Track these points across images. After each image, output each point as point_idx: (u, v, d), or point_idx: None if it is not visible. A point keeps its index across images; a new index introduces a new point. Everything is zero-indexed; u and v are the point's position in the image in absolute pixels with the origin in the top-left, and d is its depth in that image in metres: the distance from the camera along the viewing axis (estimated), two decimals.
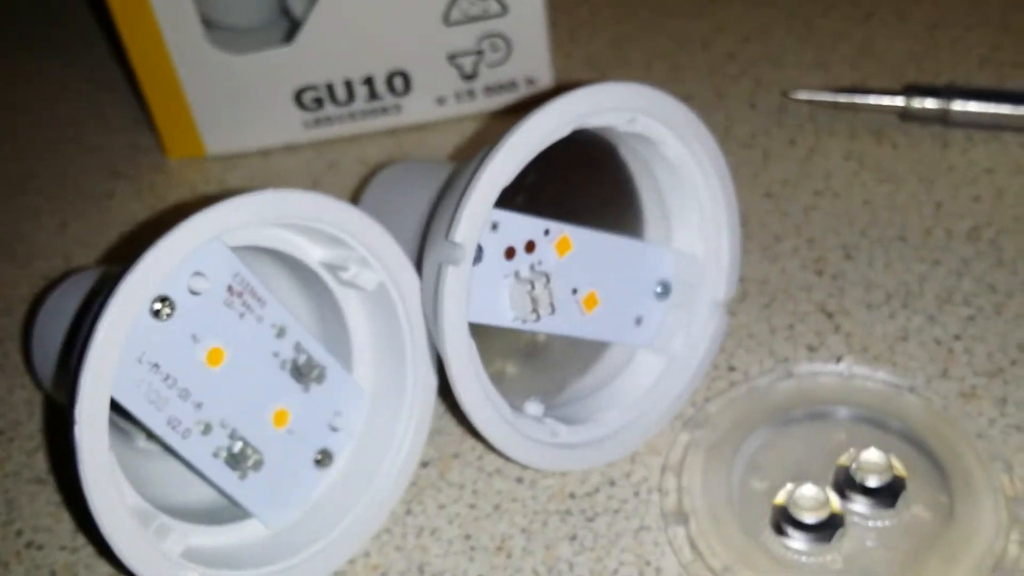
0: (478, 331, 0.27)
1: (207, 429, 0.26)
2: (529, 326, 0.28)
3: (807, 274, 0.35)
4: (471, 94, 0.43)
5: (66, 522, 0.31)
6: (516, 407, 0.29)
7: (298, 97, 0.42)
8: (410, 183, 0.33)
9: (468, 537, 0.28)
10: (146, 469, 0.28)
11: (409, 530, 0.29)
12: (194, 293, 0.25)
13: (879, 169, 0.39)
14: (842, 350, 0.32)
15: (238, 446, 0.27)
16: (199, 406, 0.26)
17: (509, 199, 0.26)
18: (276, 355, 0.27)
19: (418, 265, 0.28)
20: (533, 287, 0.27)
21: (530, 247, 0.28)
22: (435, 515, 0.29)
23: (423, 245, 0.27)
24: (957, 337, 0.32)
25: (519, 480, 0.30)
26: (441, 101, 0.43)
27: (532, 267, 0.28)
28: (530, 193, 0.28)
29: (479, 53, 0.42)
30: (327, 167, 0.43)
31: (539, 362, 0.31)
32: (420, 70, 0.42)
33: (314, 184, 0.43)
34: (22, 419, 0.34)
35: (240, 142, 0.44)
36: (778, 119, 0.42)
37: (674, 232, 0.31)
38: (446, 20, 0.41)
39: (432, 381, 0.29)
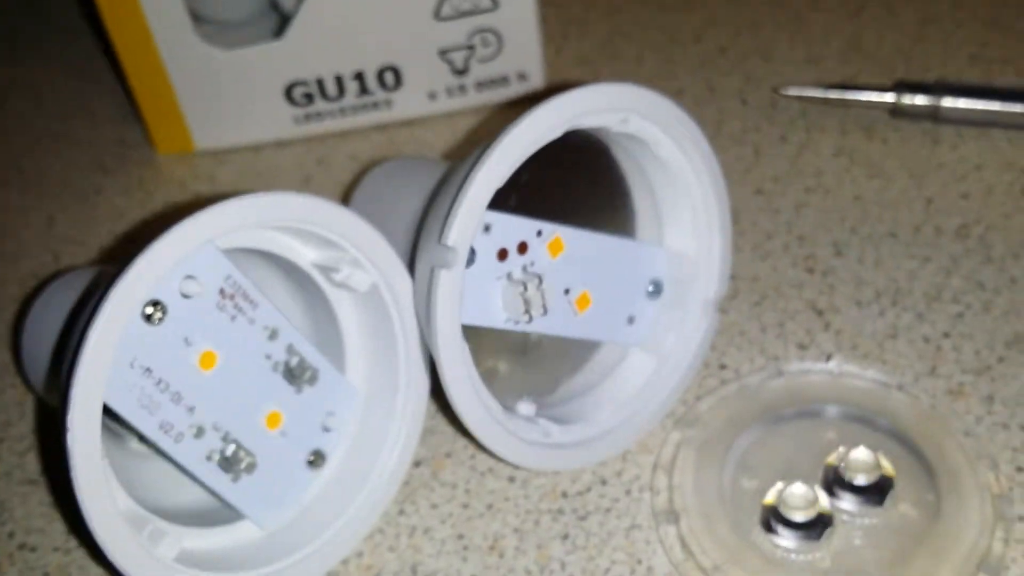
0: (470, 329, 0.27)
1: (200, 432, 0.26)
2: (522, 327, 0.28)
3: (798, 271, 0.35)
4: (462, 89, 0.43)
5: (59, 523, 0.31)
6: (509, 407, 0.29)
7: (288, 92, 0.42)
8: (402, 182, 0.33)
9: (461, 537, 0.29)
10: (139, 471, 0.28)
11: (402, 530, 0.29)
12: (186, 296, 0.25)
13: (869, 165, 0.39)
14: (832, 348, 0.32)
15: (231, 449, 0.27)
16: (192, 410, 0.26)
17: (502, 200, 0.26)
18: (268, 357, 0.27)
19: (410, 266, 0.28)
20: (526, 288, 0.27)
21: (523, 248, 0.28)
22: (428, 515, 0.29)
23: (416, 245, 0.27)
24: (946, 334, 0.32)
25: (511, 479, 0.30)
26: (432, 96, 0.43)
27: (525, 268, 0.28)
28: (523, 193, 0.28)
29: (470, 48, 0.42)
30: (318, 162, 0.43)
31: (532, 359, 0.31)
32: (411, 65, 0.42)
33: (305, 180, 0.43)
34: (13, 420, 0.34)
35: (230, 137, 0.44)
36: (769, 115, 0.42)
37: (666, 231, 0.31)
38: (437, 15, 0.41)
39: (425, 380, 0.29)
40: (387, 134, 0.44)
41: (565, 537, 0.28)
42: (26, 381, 0.35)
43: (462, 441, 0.31)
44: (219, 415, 0.26)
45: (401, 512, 0.30)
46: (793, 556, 0.26)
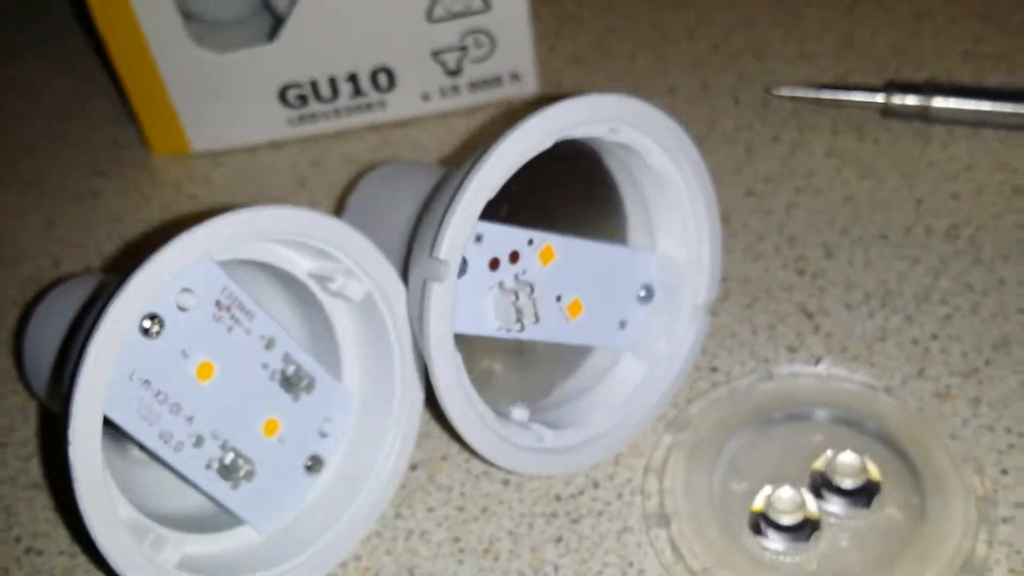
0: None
1: (199, 441, 0.27)
2: (514, 335, 0.29)
3: (788, 273, 0.35)
4: (455, 90, 0.43)
5: (64, 527, 0.31)
6: (503, 412, 0.29)
7: (282, 94, 0.42)
8: (397, 187, 0.33)
9: (457, 540, 0.29)
10: (139, 477, 0.29)
11: (399, 533, 0.30)
12: (182, 309, 0.26)
13: (860, 165, 0.39)
14: (821, 351, 0.32)
15: (230, 457, 0.27)
16: (190, 419, 0.26)
17: (493, 210, 0.27)
18: (265, 366, 0.28)
19: (405, 272, 0.28)
20: (517, 297, 0.28)
21: (514, 257, 0.28)
22: (424, 518, 0.30)
23: (409, 252, 0.28)
24: (934, 336, 0.32)
25: (506, 482, 0.30)
26: (426, 97, 0.43)
27: (516, 277, 0.28)
28: (514, 203, 0.28)
29: (463, 49, 0.42)
30: (312, 163, 0.44)
31: (527, 361, 0.32)
32: (404, 66, 0.42)
33: (300, 181, 0.43)
34: (16, 424, 0.35)
35: (225, 139, 0.44)
36: (761, 114, 0.42)
37: (657, 237, 0.31)
38: (429, 17, 0.41)
39: (420, 385, 0.30)
40: (381, 134, 0.44)
41: (558, 540, 0.29)
42: (28, 388, 0.35)
43: (457, 444, 0.32)
44: (218, 424, 0.27)
45: (398, 515, 0.30)
46: (781, 558, 0.27)
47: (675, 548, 0.28)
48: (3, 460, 0.34)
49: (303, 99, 0.43)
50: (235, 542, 0.28)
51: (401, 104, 0.43)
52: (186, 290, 0.26)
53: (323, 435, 0.29)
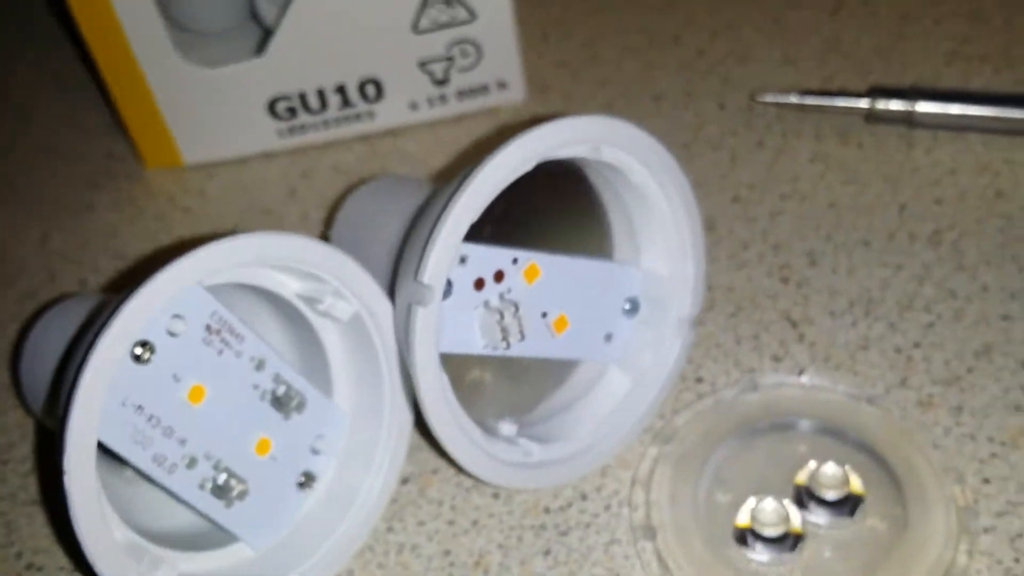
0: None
1: (192, 463, 0.27)
2: (500, 352, 0.29)
3: (773, 281, 0.36)
4: (443, 99, 0.43)
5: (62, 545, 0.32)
6: (490, 427, 0.30)
7: (271, 107, 0.43)
8: (383, 205, 0.33)
9: (447, 553, 0.30)
10: (134, 496, 0.29)
11: (391, 547, 0.30)
12: (173, 335, 0.26)
13: (844, 170, 0.39)
14: (806, 360, 0.33)
15: (223, 477, 0.28)
16: (183, 442, 0.27)
17: (477, 231, 0.27)
18: (256, 387, 0.28)
19: (391, 291, 0.29)
20: (503, 316, 0.28)
21: (499, 276, 0.29)
22: (415, 532, 0.30)
23: (396, 270, 0.28)
24: (916, 344, 0.33)
25: (495, 496, 0.31)
26: (414, 106, 0.43)
27: (502, 296, 0.29)
28: (498, 222, 0.28)
29: (449, 59, 0.42)
30: (302, 175, 0.44)
31: (515, 371, 0.32)
32: (392, 77, 0.42)
33: (290, 191, 0.43)
34: (15, 441, 0.35)
35: (217, 152, 0.44)
36: (746, 120, 0.42)
37: (642, 251, 0.32)
38: (416, 28, 0.41)
39: (409, 402, 0.30)
40: (370, 144, 0.44)
41: (547, 553, 0.29)
42: (25, 406, 0.36)
43: (447, 458, 0.32)
44: (210, 445, 0.28)
45: (389, 529, 0.31)
46: (766, 569, 0.28)
47: (661, 560, 0.28)
48: (3, 476, 0.34)
49: (292, 111, 0.43)
50: (230, 559, 0.29)
51: (389, 114, 0.43)
52: (176, 316, 0.26)
53: (315, 452, 0.30)
